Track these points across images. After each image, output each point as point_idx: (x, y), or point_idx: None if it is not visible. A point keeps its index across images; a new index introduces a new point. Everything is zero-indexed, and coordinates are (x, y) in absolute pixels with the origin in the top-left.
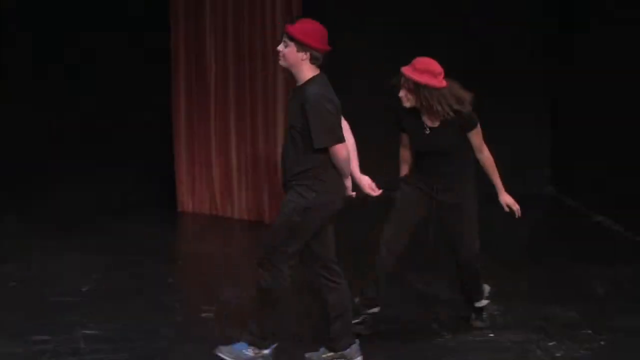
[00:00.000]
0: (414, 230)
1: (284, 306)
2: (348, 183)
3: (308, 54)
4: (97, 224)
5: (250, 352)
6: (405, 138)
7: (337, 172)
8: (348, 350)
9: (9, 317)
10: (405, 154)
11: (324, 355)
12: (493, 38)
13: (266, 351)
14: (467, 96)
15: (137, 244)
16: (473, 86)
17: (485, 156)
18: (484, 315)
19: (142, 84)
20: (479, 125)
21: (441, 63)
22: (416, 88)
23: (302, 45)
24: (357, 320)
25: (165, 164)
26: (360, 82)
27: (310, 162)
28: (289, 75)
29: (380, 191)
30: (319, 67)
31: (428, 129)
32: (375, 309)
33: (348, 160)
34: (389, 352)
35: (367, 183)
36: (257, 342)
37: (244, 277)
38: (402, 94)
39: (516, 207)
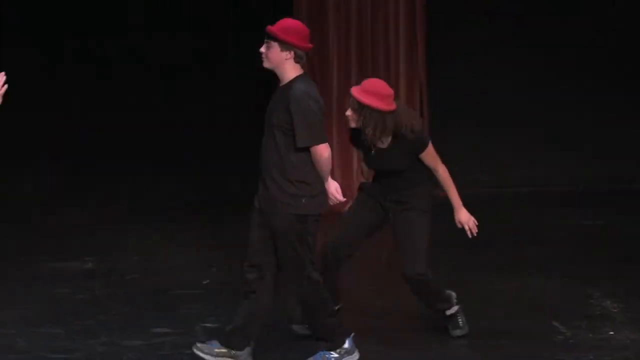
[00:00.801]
0: (364, 234)
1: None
2: (327, 187)
3: (292, 52)
4: (217, 215)
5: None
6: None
7: (317, 173)
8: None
9: (130, 309)
10: (364, 167)
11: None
12: None
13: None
14: (412, 123)
15: None
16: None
17: (441, 174)
18: (459, 322)
19: (264, 82)
20: (430, 146)
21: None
22: (360, 108)
23: (285, 45)
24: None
25: None
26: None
27: (291, 162)
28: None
29: (345, 199)
30: (303, 66)
31: (374, 150)
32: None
33: (329, 161)
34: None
35: (334, 187)
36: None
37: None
38: (348, 113)
39: (470, 224)
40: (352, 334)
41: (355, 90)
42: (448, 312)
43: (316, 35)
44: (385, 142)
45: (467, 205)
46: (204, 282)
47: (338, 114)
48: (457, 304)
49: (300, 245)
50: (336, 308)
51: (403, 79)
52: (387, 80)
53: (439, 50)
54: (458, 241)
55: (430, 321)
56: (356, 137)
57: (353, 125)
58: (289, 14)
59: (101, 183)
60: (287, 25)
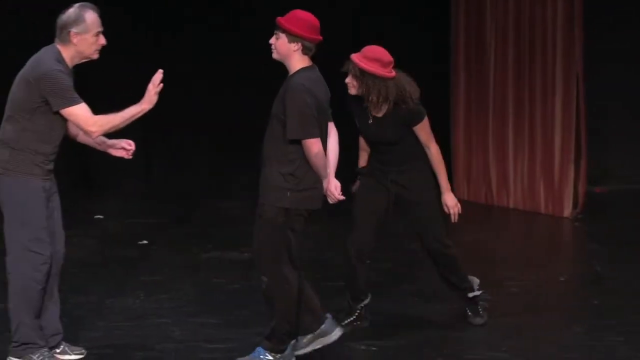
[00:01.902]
0: (380, 220)
1: None
2: (326, 184)
3: (299, 44)
4: None
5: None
6: None
7: (311, 168)
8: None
9: None
10: (362, 142)
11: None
12: None
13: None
14: (412, 91)
15: None
16: None
17: (432, 152)
18: (480, 310)
19: (423, 74)
20: (425, 120)
21: None
22: (361, 75)
23: (292, 36)
24: (352, 318)
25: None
26: None
27: (284, 153)
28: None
29: (343, 198)
30: (311, 58)
31: (371, 119)
32: (366, 300)
33: (321, 157)
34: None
35: (333, 185)
36: None
37: (518, 266)
38: (348, 80)
39: (455, 210)
40: (294, 341)
41: (356, 57)
42: (471, 294)
43: (474, 30)
44: (382, 111)
45: (621, 201)
46: None
47: (494, 109)
48: (479, 289)
49: (278, 239)
50: (366, 300)
51: (559, 74)
52: (544, 75)
53: (596, 47)
54: None
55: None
56: (355, 104)
57: (353, 92)
58: (446, 6)
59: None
60: (296, 16)
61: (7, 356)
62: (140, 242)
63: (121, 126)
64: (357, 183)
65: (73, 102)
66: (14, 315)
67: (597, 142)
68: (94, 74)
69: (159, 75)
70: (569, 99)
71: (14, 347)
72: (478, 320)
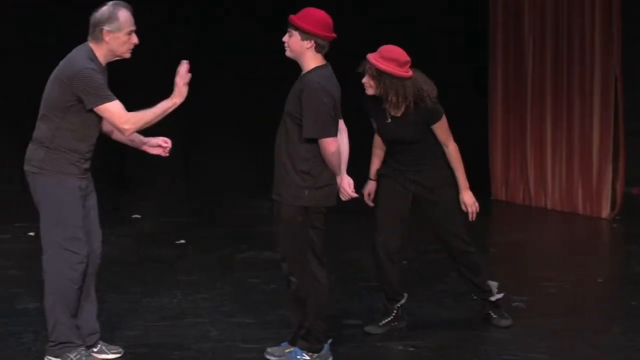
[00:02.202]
0: (404, 220)
1: None
2: (339, 181)
3: (312, 42)
4: None
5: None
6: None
7: (326, 165)
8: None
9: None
10: (377, 141)
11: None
12: None
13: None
14: (430, 90)
15: None
16: None
17: (450, 150)
18: (504, 312)
19: (458, 75)
20: (443, 118)
21: None
22: (378, 75)
23: (306, 34)
24: (390, 318)
25: (479, 151)
26: None
27: (299, 152)
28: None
29: (356, 195)
30: (324, 56)
31: (389, 118)
32: (403, 300)
33: (337, 156)
34: None
35: (346, 182)
36: None
37: (556, 267)
38: (365, 80)
39: (473, 208)
40: (331, 341)
41: (372, 57)
42: (493, 298)
43: (512, 31)
44: (401, 111)
45: None
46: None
47: (531, 110)
48: (499, 292)
49: (300, 238)
50: (402, 300)
51: (598, 74)
52: (582, 75)
53: (635, 47)
54: None
55: None
56: (372, 104)
57: (371, 92)
58: (485, 5)
59: None
60: (309, 14)
61: (44, 355)
62: (178, 242)
63: (154, 122)
64: (371, 185)
65: (106, 100)
66: (51, 315)
67: (635, 142)
68: (127, 71)
69: (184, 66)
70: (607, 100)
71: (50, 346)
72: (504, 322)
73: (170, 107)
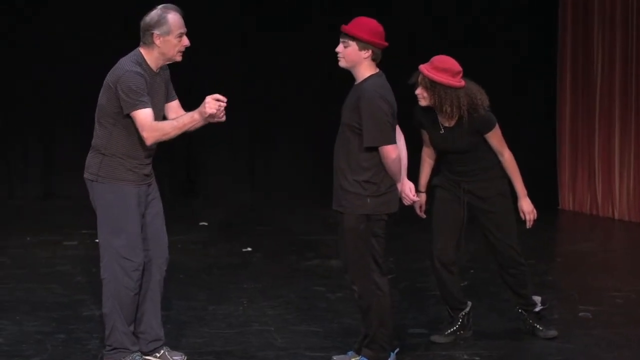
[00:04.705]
0: (460, 230)
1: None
2: (400, 187)
3: (369, 51)
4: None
5: None
6: (426, 136)
7: (386, 172)
8: None
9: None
10: (427, 151)
11: None
12: None
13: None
14: (483, 99)
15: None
16: None
17: (506, 159)
18: (549, 323)
19: (522, 85)
20: (496, 127)
21: None
22: (432, 86)
23: (363, 44)
24: (455, 327)
25: (547, 160)
26: None
27: (359, 161)
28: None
29: (418, 199)
30: (378, 65)
31: (442, 129)
32: (467, 308)
33: (398, 163)
34: None
35: (408, 187)
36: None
37: (622, 277)
38: (418, 91)
39: (531, 216)
40: (397, 350)
41: (425, 68)
42: (537, 309)
43: (581, 41)
44: (454, 121)
45: None
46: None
47: (600, 120)
48: (543, 304)
49: (363, 246)
50: (466, 308)
51: None
52: None
53: None
54: None
55: None
56: (424, 115)
57: (424, 103)
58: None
59: None
60: (364, 23)
61: (101, 359)
62: (244, 249)
63: (172, 135)
64: (422, 197)
65: (136, 107)
66: (108, 320)
67: None
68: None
69: (222, 98)
70: None
71: (106, 350)
72: (551, 333)
73: (189, 122)
